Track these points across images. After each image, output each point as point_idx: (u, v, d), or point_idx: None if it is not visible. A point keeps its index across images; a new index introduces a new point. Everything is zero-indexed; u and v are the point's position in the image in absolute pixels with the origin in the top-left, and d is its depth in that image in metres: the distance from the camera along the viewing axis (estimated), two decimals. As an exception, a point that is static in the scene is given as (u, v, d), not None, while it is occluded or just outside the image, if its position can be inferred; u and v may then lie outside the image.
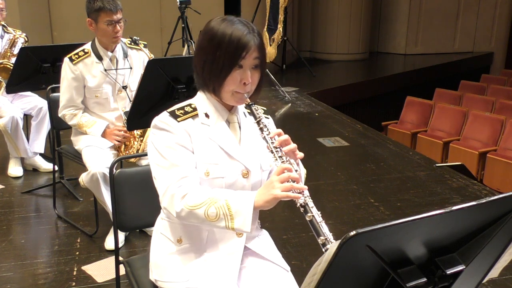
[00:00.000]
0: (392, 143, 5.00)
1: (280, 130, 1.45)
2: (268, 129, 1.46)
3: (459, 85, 8.77)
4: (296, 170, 1.39)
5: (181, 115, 1.48)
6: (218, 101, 1.52)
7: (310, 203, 1.32)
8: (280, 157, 1.40)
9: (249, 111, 1.50)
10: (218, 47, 1.42)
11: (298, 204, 1.32)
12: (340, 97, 7.52)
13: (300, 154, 1.45)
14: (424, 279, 0.90)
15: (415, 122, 7.04)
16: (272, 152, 1.42)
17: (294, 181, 1.34)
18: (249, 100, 1.48)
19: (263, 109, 1.63)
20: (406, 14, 11.10)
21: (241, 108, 1.58)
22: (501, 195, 0.92)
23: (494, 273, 1.06)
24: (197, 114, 1.50)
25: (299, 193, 1.33)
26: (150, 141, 1.49)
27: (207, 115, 1.51)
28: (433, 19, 11.14)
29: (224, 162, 1.48)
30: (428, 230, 0.89)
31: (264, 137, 1.44)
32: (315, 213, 1.31)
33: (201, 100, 1.53)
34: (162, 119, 1.48)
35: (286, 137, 1.43)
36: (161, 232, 1.60)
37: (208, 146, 1.47)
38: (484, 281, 1.07)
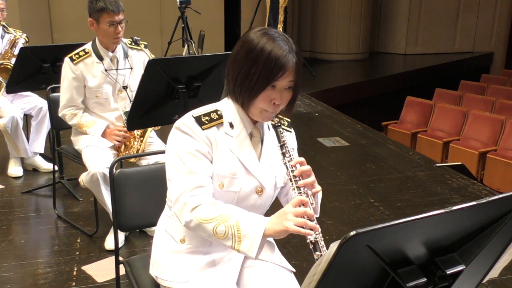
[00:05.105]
0: (392, 143, 5.00)
1: (302, 159, 1.41)
2: (290, 155, 1.41)
3: (459, 85, 8.78)
4: (312, 204, 1.36)
5: (206, 122, 1.44)
6: (245, 113, 1.48)
7: (321, 242, 1.29)
8: (298, 187, 1.37)
9: (275, 132, 1.46)
10: (254, 62, 1.36)
11: (308, 240, 1.29)
12: (340, 97, 7.52)
13: (318, 188, 1.41)
14: (424, 279, 0.90)
15: (415, 122, 7.05)
16: (290, 180, 1.39)
17: (308, 218, 1.30)
18: (276, 120, 1.44)
19: (287, 121, 1.60)
20: (406, 14, 11.11)
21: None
22: (501, 195, 0.92)
23: (494, 273, 1.06)
24: (222, 122, 1.46)
25: (310, 229, 1.30)
26: (170, 141, 1.46)
27: (231, 125, 1.47)
28: (433, 19, 11.16)
29: (240, 176, 1.45)
30: (428, 230, 0.89)
31: (285, 163, 1.41)
32: (324, 253, 1.27)
33: (228, 108, 1.49)
34: (187, 123, 1.43)
35: (307, 168, 1.39)
36: (165, 229, 1.59)
37: (227, 158, 1.44)
38: (484, 281, 1.07)
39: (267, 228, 1.32)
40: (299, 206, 1.32)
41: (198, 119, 1.44)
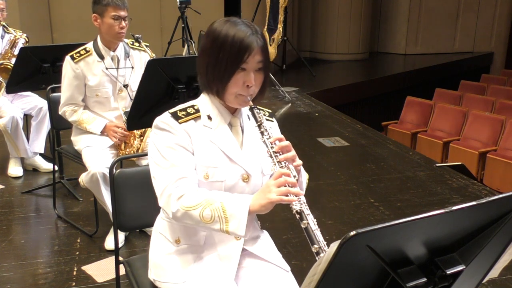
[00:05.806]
0: (392, 143, 5.00)
1: (281, 136, 1.44)
2: (269, 134, 1.44)
3: (459, 85, 8.78)
4: (294, 176, 1.38)
5: (182, 116, 1.47)
6: (222, 103, 1.50)
7: (306, 211, 1.31)
8: (279, 162, 1.39)
9: (251, 113, 1.49)
10: (220, 48, 1.40)
11: (294, 211, 1.31)
12: (340, 97, 7.52)
13: (299, 162, 1.44)
14: (424, 279, 0.90)
15: (415, 122, 7.04)
16: (271, 156, 1.41)
17: (291, 186, 1.33)
18: (251, 103, 1.46)
19: (268, 112, 1.62)
20: (406, 14, 11.10)
21: (245, 110, 1.56)
22: (501, 195, 0.92)
23: (494, 273, 1.06)
24: (200, 116, 1.49)
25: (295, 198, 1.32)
26: (151, 140, 1.48)
27: (209, 118, 1.50)
28: (433, 19, 11.15)
29: (224, 166, 1.47)
30: (428, 230, 0.89)
31: (264, 141, 1.43)
32: (311, 221, 1.30)
33: (204, 102, 1.52)
34: (164, 119, 1.47)
35: (287, 143, 1.42)
36: (160, 232, 1.60)
37: (208, 149, 1.47)
38: (484, 281, 1.07)
39: (251, 204, 1.35)
40: (281, 178, 1.34)
41: (174, 115, 1.47)
